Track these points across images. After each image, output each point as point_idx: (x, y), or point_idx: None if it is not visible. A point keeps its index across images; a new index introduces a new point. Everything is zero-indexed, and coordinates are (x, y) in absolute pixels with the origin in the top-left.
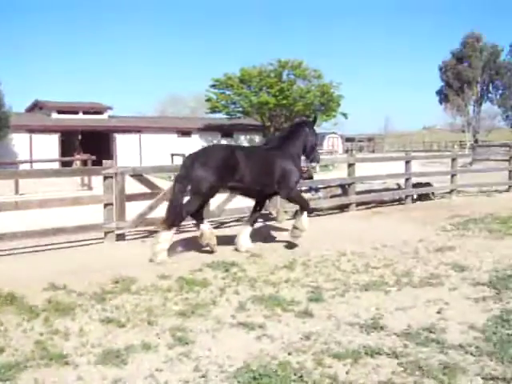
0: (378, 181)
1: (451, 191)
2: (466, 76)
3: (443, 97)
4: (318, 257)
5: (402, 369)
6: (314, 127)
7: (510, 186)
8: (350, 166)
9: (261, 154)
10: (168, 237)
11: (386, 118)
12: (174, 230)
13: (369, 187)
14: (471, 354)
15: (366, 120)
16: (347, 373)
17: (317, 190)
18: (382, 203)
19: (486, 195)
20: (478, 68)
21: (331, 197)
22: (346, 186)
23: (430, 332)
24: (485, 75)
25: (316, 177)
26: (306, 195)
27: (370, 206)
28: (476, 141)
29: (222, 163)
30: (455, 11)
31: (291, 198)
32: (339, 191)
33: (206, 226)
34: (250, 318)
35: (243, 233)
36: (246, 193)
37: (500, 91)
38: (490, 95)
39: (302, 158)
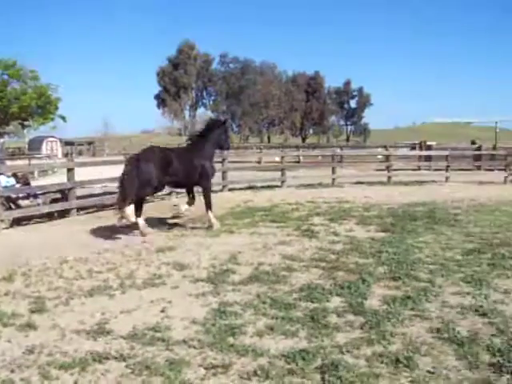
0: (99, 185)
1: None
2: (182, 82)
3: (161, 101)
4: (39, 265)
5: (130, 370)
6: (226, 125)
7: (223, 186)
8: (70, 170)
9: (186, 154)
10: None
11: (105, 121)
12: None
13: (90, 192)
14: (194, 347)
15: (86, 123)
16: (75, 382)
17: (36, 196)
18: (103, 207)
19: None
20: (192, 75)
21: (51, 202)
22: (66, 191)
23: (156, 331)
24: (199, 82)
25: (35, 183)
26: (24, 202)
27: (91, 210)
28: None
29: (161, 160)
30: (174, 17)
31: (206, 193)
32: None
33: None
34: None
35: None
36: (177, 184)
37: (213, 97)
38: (204, 101)
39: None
